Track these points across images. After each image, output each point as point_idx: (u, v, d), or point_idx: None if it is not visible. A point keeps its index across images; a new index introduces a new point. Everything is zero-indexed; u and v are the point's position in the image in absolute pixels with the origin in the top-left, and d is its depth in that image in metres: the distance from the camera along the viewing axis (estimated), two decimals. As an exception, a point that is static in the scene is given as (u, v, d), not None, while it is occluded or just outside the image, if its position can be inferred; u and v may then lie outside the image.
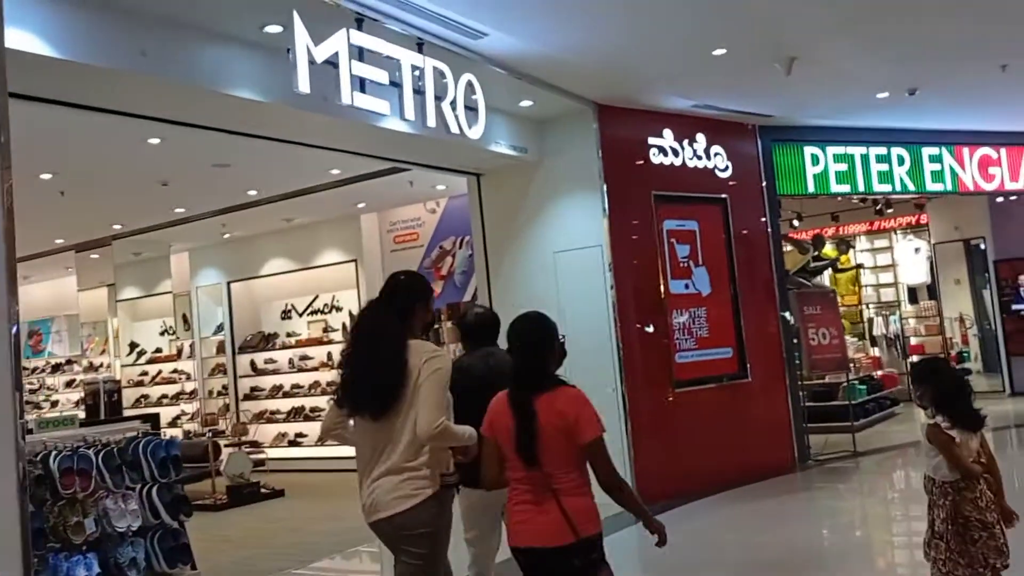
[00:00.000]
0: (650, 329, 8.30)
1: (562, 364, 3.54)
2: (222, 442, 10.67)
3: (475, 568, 4.61)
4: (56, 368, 16.13)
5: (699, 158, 9.04)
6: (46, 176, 8.34)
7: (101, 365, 13.90)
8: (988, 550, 3.69)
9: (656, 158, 8.69)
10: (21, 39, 4.42)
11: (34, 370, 16.69)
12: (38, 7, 4.52)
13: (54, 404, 15.92)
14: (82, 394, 13.63)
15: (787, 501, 8.04)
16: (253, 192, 10.26)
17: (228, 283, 13.67)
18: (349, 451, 12.02)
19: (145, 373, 14.77)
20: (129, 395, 14.72)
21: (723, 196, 9.22)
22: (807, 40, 7.21)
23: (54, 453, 5.69)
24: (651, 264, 8.48)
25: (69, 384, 15.51)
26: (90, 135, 7.15)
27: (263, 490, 10.26)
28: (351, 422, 3.71)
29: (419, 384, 3.46)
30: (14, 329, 2.85)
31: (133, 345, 14.90)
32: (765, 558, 6.16)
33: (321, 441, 4.16)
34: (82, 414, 13.69)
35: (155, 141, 7.34)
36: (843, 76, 8.24)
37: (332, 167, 9.30)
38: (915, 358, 13.67)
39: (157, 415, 6.65)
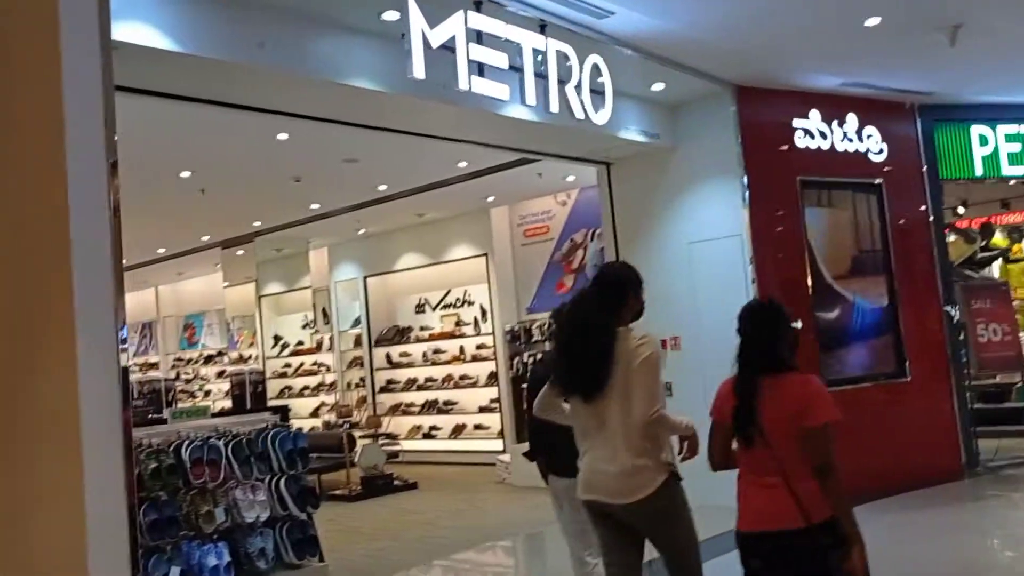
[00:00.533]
0: (798, 325, 7.69)
1: (795, 352, 3.48)
2: (357, 434, 10.79)
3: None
4: (208, 359, 16.93)
5: (850, 140, 8.36)
6: (185, 174, 8.63)
7: (249, 357, 14.44)
8: None
9: (801, 142, 8.08)
10: (139, 33, 4.45)
11: (189, 361, 17.59)
12: (155, 1, 4.54)
13: (207, 393, 16.73)
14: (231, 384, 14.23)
15: (955, 510, 7.36)
16: (383, 187, 10.31)
17: (364, 278, 13.89)
18: (482, 445, 11.86)
19: (288, 365, 15.27)
20: (274, 386, 15.27)
21: (877, 181, 8.51)
22: (973, 5, 6.47)
23: (186, 443, 5.79)
24: (797, 256, 7.91)
25: (220, 375, 16.22)
26: (221, 132, 7.30)
27: (396, 482, 10.31)
28: (565, 404, 3.80)
29: (632, 371, 3.59)
30: (122, 332, 2.79)
31: (277, 338, 15.43)
32: (932, 573, 5.63)
33: (536, 416, 4.05)
34: (230, 403, 14.30)
35: (283, 136, 7.42)
36: (1015, 45, 7.38)
37: (459, 159, 9.19)
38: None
39: (286, 407, 6.72)
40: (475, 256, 12.45)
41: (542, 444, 4.71)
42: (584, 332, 3.68)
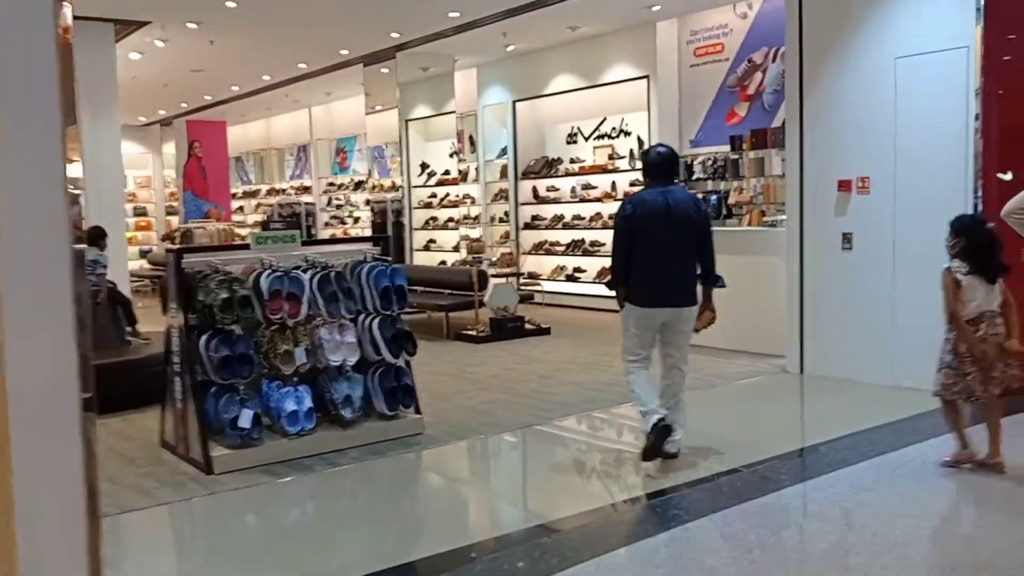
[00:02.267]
0: (1007, 176, 5.92)
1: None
2: (491, 271, 9.99)
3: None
4: (359, 185, 16.54)
5: None
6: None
7: (400, 186, 13.84)
8: (974, 382, 4.35)
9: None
10: None
11: (340, 186, 17.32)
12: None
13: (356, 220, 16.46)
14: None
15: None
16: (531, -9, 8.93)
17: (513, 102, 12.71)
18: None
19: (434, 195, 14.59)
20: (419, 216, 14.71)
21: None
22: None
23: (266, 273, 5.07)
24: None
25: (367, 203, 15.82)
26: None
27: (528, 326, 9.51)
28: None
29: None
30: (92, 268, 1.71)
31: (423, 166, 14.71)
32: None
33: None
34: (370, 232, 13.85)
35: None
36: None
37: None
38: None
39: (388, 238, 5.82)
40: (635, 78, 10.93)
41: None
42: None
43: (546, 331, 9.50)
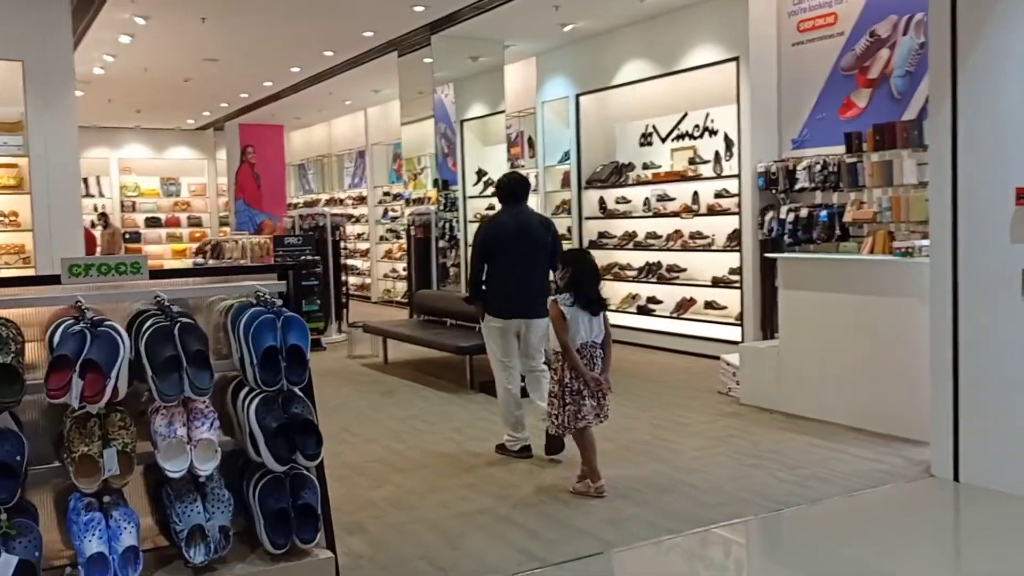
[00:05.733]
0: None
1: None
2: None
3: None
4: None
5: None
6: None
7: (428, 198, 11.94)
8: (577, 410, 4.47)
9: None
10: None
11: (396, 196, 15.52)
12: None
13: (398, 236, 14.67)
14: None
15: None
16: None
17: (576, 96, 10.61)
18: (711, 331, 8.12)
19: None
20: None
21: None
22: None
23: (63, 325, 3.16)
24: None
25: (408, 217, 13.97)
26: None
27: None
28: None
29: None
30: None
31: (480, 173, 12.76)
32: None
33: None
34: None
35: None
36: None
37: None
38: None
39: (298, 267, 3.99)
40: (722, 61, 8.67)
41: None
42: None
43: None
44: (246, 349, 3.39)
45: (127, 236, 18.50)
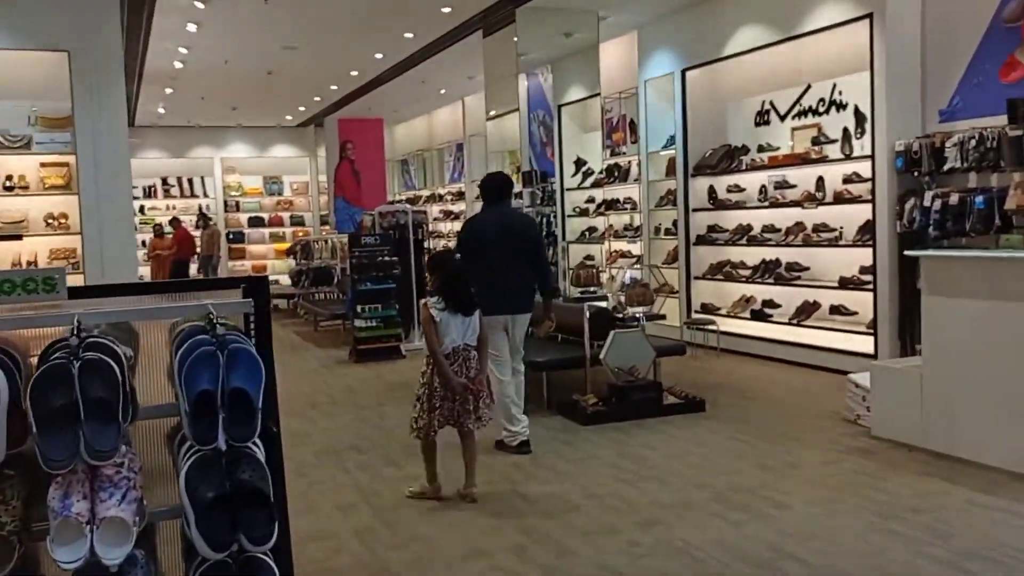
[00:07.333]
0: None
1: None
2: (617, 306, 6.82)
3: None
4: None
5: None
6: None
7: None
8: (445, 411, 4.43)
9: None
10: None
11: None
12: None
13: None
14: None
15: None
16: None
17: (683, 71, 9.40)
18: (838, 340, 7.05)
19: (591, 199, 11.60)
20: (575, 225, 11.84)
21: None
22: None
23: None
24: None
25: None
26: None
27: (671, 396, 6.27)
28: None
29: None
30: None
31: (579, 163, 11.74)
32: None
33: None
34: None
35: None
36: None
37: None
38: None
39: (262, 281, 2.94)
40: (852, 20, 7.29)
41: None
42: None
43: (698, 406, 6.20)
44: (181, 392, 2.53)
45: (230, 236, 18.45)
